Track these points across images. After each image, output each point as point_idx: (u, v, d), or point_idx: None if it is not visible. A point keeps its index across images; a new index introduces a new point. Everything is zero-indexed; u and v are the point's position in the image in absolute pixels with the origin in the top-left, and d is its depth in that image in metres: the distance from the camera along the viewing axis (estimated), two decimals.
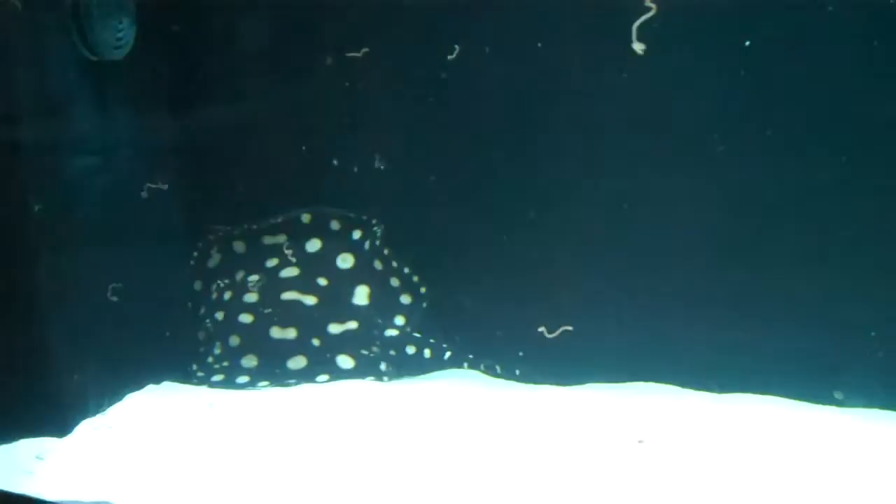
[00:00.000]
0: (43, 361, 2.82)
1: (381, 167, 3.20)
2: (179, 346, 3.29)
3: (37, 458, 2.71)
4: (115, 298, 3.03)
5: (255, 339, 3.21)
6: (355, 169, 3.24)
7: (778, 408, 2.92)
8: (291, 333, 3.19)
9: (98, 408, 2.97)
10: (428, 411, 2.91)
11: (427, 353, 3.18)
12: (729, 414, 2.86)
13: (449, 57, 3.07)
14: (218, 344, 3.24)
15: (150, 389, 3.19)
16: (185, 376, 3.26)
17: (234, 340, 3.22)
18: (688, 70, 2.88)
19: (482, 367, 3.23)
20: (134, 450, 2.74)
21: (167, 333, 3.27)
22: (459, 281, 3.24)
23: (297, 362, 3.17)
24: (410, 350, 3.17)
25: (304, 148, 3.25)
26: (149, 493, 2.48)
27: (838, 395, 2.92)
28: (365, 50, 3.14)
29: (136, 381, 3.16)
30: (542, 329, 3.11)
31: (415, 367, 3.21)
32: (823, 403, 2.92)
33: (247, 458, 2.65)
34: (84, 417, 2.91)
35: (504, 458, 2.58)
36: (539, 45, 3.01)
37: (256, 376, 3.17)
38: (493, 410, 2.91)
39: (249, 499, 2.44)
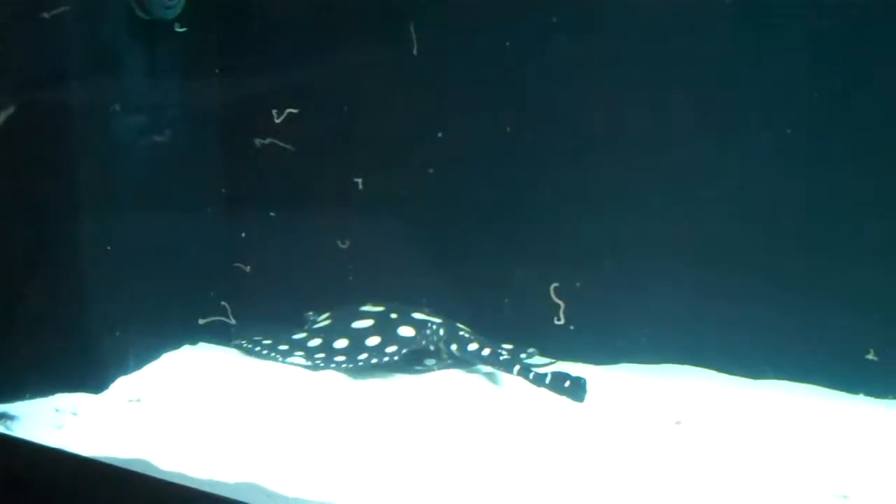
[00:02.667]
0: (84, 317, 2.87)
1: None
2: (217, 306, 3.28)
3: (71, 413, 2.75)
4: (155, 257, 3.05)
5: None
6: None
7: (814, 396, 2.90)
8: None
9: (134, 365, 3.01)
10: (461, 391, 2.92)
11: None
12: (765, 399, 2.84)
13: None
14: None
15: (186, 349, 3.23)
16: (222, 337, 3.27)
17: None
18: None
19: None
20: (166, 409, 2.77)
21: (207, 293, 3.28)
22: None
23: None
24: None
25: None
26: (179, 452, 2.50)
27: None
28: None
29: (172, 340, 3.19)
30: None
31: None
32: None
33: (280, 422, 2.67)
34: (120, 374, 2.95)
35: (543, 437, 2.58)
36: None
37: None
38: (526, 392, 2.88)
39: (279, 458, 2.46)
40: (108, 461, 2.47)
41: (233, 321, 3.25)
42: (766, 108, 2.85)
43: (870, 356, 2.85)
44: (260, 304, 3.31)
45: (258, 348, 3.16)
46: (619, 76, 2.96)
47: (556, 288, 3.05)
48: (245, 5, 3.22)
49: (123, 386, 2.91)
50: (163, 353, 3.14)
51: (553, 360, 2.96)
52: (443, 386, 2.94)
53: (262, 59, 3.23)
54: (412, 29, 3.06)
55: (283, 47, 3.22)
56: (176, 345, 3.20)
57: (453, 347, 3.00)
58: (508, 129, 3.08)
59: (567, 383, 2.78)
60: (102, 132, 2.88)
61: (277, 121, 3.20)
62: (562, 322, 3.06)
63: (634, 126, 2.98)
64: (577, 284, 3.07)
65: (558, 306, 3.06)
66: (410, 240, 3.25)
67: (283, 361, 3.07)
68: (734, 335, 2.98)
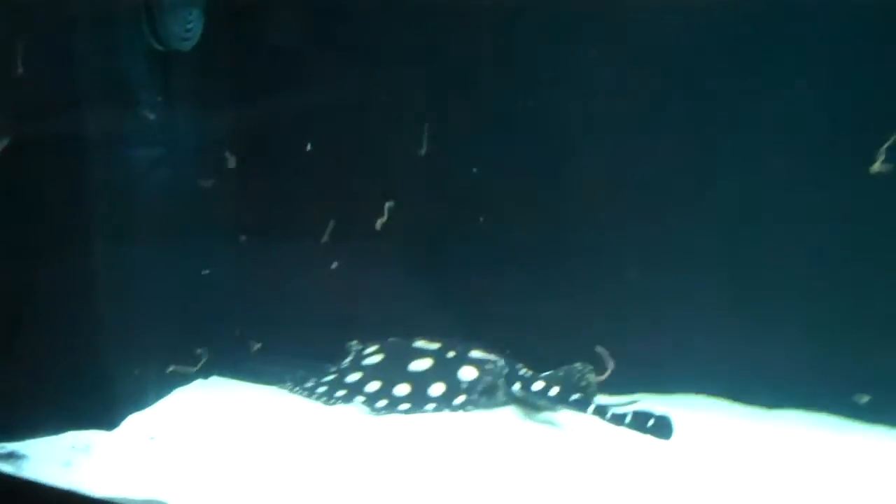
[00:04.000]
0: (96, 354, 2.83)
1: None
2: (229, 341, 3.28)
3: (82, 450, 2.70)
4: (168, 292, 3.02)
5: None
6: None
7: (829, 426, 2.92)
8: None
9: (147, 402, 2.97)
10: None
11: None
12: (781, 429, 2.85)
13: None
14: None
15: (199, 384, 3.20)
16: (234, 371, 3.25)
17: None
18: None
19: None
20: (181, 446, 2.71)
21: (221, 327, 3.26)
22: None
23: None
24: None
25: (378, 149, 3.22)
26: (195, 491, 2.45)
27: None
28: None
29: (185, 376, 3.16)
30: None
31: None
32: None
33: (293, 459, 2.63)
34: (133, 411, 2.91)
35: (563, 469, 2.56)
36: None
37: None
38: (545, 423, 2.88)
39: (299, 498, 2.41)
40: (122, 502, 2.43)
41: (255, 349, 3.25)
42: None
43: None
44: (276, 337, 3.30)
45: (312, 392, 3.05)
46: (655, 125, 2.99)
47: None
48: (261, 37, 3.23)
49: (136, 423, 2.87)
50: (175, 388, 3.11)
51: (634, 400, 2.83)
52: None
53: (276, 89, 3.23)
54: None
55: (296, 77, 3.22)
56: (188, 380, 3.17)
57: (516, 387, 2.91)
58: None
59: (651, 422, 2.60)
60: (117, 164, 2.86)
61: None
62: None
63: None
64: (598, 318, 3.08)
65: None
66: (424, 273, 3.24)
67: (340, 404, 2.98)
68: (749, 366, 2.99)
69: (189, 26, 2.90)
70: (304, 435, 2.77)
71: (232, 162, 3.23)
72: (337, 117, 3.20)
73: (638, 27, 2.92)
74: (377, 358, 3.13)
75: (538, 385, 2.85)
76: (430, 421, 2.85)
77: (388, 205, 3.20)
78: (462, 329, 3.18)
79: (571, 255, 3.13)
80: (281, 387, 3.14)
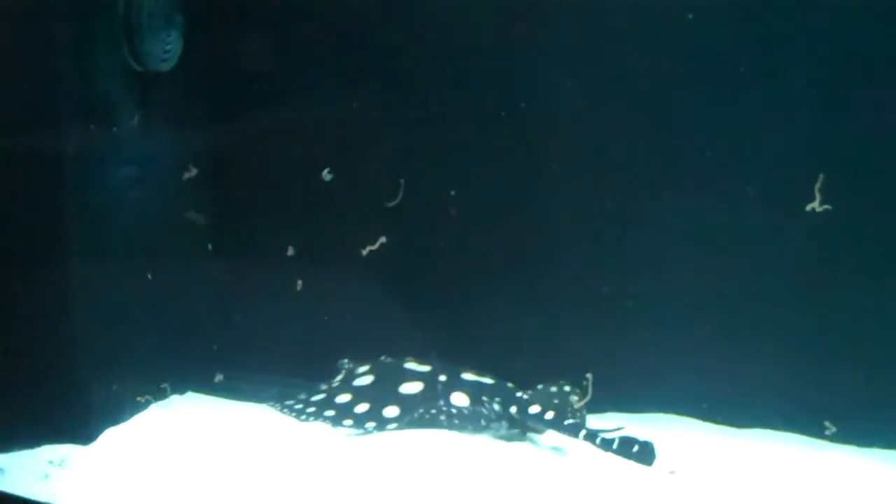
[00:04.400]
0: (72, 368, 2.83)
1: None
2: (204, 357, 3.29)
3: (58, 464, 2.71)
4: (143, 307, 3.04)
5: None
6: None
7: (797, 445, 2.95)
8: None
9: (123, 417, 2.98)
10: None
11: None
12: (752, 448, 2.89)
13: None
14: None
15: (175, 399, 3.19)
16: (209, 387, 3.27)
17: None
18: None
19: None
20: (155, 461, 2.73)
21: (197, 344, 3.27)
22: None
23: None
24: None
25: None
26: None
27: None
28: None
29: (160, 390, 3.15)
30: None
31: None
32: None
33: (267, 474, 2.65)
34: (109, 425, 2.91)
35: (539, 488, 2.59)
36: None
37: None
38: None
39: None
40: None
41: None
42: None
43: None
44: (252, 354, 3.30)
45: (300, 412, 3.03)
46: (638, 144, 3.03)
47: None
48: (239, 58, 3.25)
49: (112, 437, 2.87)
50: (150, 404, 3.11)
51: (621, 427, 2.77)
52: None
53: (255, 110, 3.25)
54: None
55: (274, 98, 3.24)
56: (163, 395, 3.16)
57: (512, 410, 2.90)
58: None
59: (635, 448, 2.65)
60: (94, 183, 2.87)
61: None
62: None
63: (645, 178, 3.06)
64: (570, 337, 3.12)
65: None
66: (413, 295, 3.26)
67: (333, 427, 2.95)
68: (718, 385, 3.04)
69: (168, 47, 2.91)
70: (279, 453, 2.78)
71: (208, 181, 3.24)
72: (313, 137, 3.23)
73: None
74: (367, 379, 3.12)
75: (535, 409, 2.86)
76: (418, 440, 2.86)
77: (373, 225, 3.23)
78: (439, 347, 3.21)
79: (545, 274, 3.17)
80: (271, 406, 3.12)
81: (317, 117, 3.21)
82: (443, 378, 3.03)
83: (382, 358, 3.23)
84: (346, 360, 3.23)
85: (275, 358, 3.30)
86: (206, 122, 3.23)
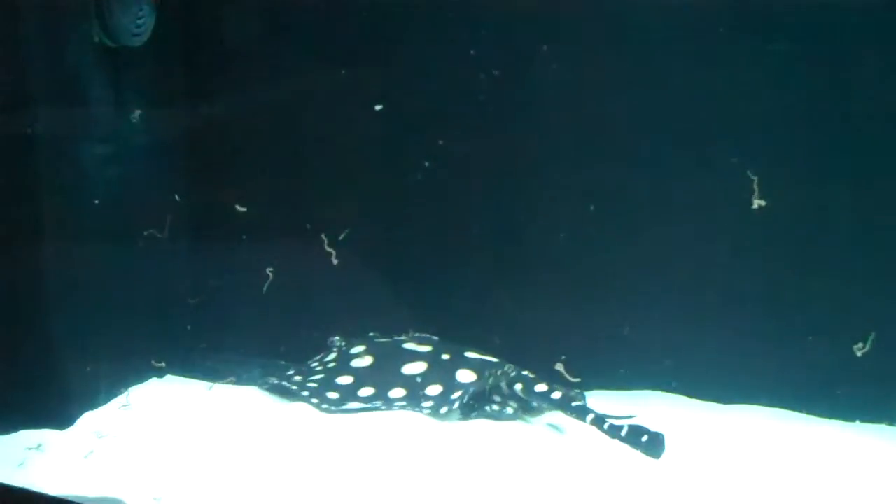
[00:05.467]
0: (48, 351, 2.79)
1: None
2: (184, 339, 3.26)
3: (35, 449, 2.68)
4: (120, 289, 2.99)
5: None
6: None
7: (785, 420, 2.94)
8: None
9: (101, 400, 2.94)
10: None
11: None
12: (738, 424, 2.89)
13: None
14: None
15: (154, 382, 3.17)
16: (189, 369, 3.22)
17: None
18: None
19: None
20: (136, 444, 2.69)
21: (175, 325, 3.24)
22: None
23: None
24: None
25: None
26: (152, 489, 2.43)
27: None
28: None
29: (139, 374, 3.13)
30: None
31: None
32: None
33: (249, 455, 2.62)
34: (87, 409, 2.88)
35: (526, 465, 2.57)
36: None
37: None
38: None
39: (249, 497, 2.41)
40: (76, 499, 2.39)
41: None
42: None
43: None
44: (230, 335, 3.27)
45: (304, 392, 2.93)
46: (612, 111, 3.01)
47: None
48: (215, 32, 3.19)
49: (90, 421, 2.84)
50: (130, 386, 3.07)
51: (632, 415, 2.71)
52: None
53: (230, 86, 3.21)
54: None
55: (250, 74, 3.20)
56: (143, 378, 3.14)
57: (517, 388, 2.83)
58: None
59: (644, 437, 2.59)
60: (66, 162, 2.82)
61: None
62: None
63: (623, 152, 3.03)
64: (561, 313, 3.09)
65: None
66: (390, 270, 3.23)
67: (335, 411, 2.87)
68: (705, 362, 3.04)
69: (140, 21, 2.84)
70: (262, 433, 2.75)
71: (185, 159, 3.20)
72: (293, 113, 3.19)
73: None
74: (367, 360, 3.05)
75: (541, 387, 2.80)
76: (426, 422, 2.81)
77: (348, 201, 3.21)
78: (417, 322, 3.19)
79: (522, 250, 3.15)
80: (261, 386, 3.07)
81: (293, 91, 3.16)
82: (446, 357, 2.97)
83: (371, 335, 3.20)
84: (337, 338, 3.16)
85: (255, 337, 3.27)
86: (180, 99, 3.18)
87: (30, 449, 2.64)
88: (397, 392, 2.89)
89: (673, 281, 3.04)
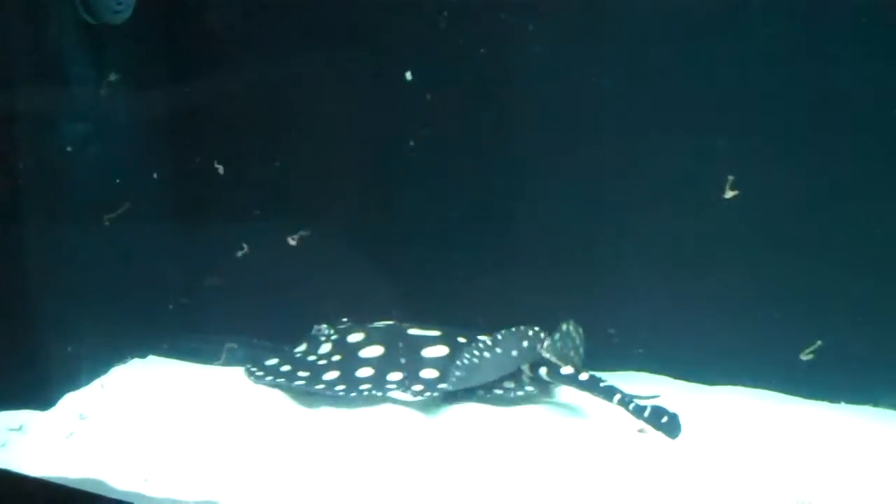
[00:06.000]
0: (29, 331, 2.78)
1: None
2: (167, 319, 3.24)
3: (16, 430, 2.65)
4: (101, 268, 2.96)
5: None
6: None
7: (768, 401, 2.95)
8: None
9: (83, 381, 2.91)
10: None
11: None
12: (722, 404, 2.90)
13: None
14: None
15: (136, 363, 3.14)
16: (171, 350, 3.21)
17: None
18: None
19: None
20: (118, 425, 2.67)
21: (158, 306, 3.22)
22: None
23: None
24: None
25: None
26: (134, 470, 2.42)
27: None
28: None
29: (121, 355, 3.11)
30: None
31: None
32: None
33: (234, 436, 2.61)
34: (69, 390, 2.85)
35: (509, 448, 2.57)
36: None
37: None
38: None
39: (227, 476, 2.40)
40: (58, 481, 2.39)
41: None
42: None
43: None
44: (214, 317, 3.24)
45: (308, 387, 2.85)
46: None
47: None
48: (195, 9, 3.15)
49: (72, 402, 2.81)
50: (112, 367, 3.05)
51: (656, 395, 2.74)
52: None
53: (213, 66, 3.16)
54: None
55: (232, 52, 3.16)
56: (125, 358, 3.12)
57: (542, 371, 2.82)
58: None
59: (664, 419, 2.63)
60: (46, 140, 2.79)
61: None
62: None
63: (605, 135, 3.02)
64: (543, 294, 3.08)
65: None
66: (377, 254, 3.19)
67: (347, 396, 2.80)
68: (691, 344, 3.04)
69: None
70: (242, 413, 2.74)
71: (166, 138, 3.17)
72: (274, 92, 3.15)
73: None
74: (377, 350, 2.97)
75: (567, 370, 2.80)
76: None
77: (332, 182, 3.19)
78: (402, 306, 3.17)
79: (506, 229, 3.13)
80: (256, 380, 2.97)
81: (275, 71, 3.13)
82: (462, 339, 2.95)
83: (344, 320, 3.15)
84: (324, 326, 3.11)
85: (239, 319, 3.23)
86: (163, 77, 3.14)
87: (11, 430, 2.63)
88: (429, 373, 2.87)
89: (657, 265, 3.04)
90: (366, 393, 2.80)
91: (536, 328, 2.80)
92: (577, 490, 2.35)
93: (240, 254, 3.23)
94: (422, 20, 3.04)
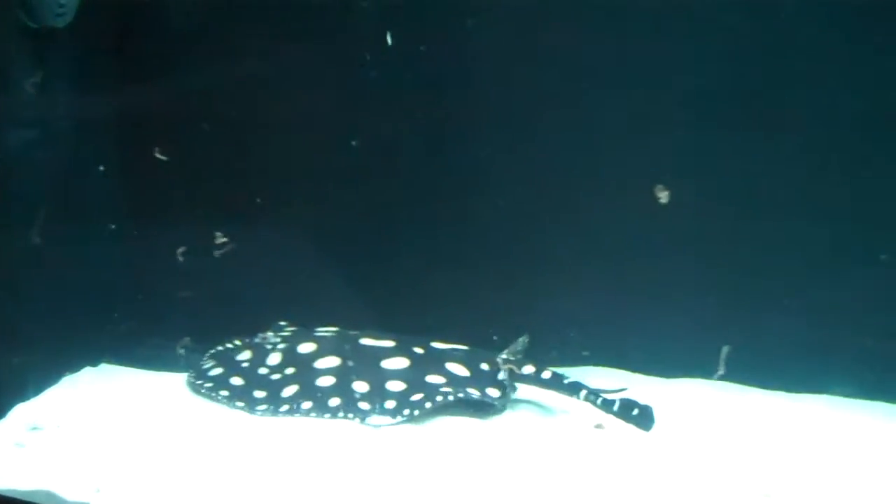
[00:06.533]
0: None
1: None
2: (118, 327, 3.18)
3: None
4: (50, 276, 2.90)
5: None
6: None
7: (728, 392, 2.98)
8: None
9: (33, 391, 2.86)
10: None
11: None
12: (681, 397, 2.93)
13: None
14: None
15: (87, 371, 3.09)
16: (122, 358, 3.15)
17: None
18: None
19: None
20: (70, 437, 2.62)
21: (108, 314, 3.16)
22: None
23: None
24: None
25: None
26: (85, 482, 2.36)
27: None
28: None
29: (71, 363, 3.05)
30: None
31: None
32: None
33: (188, 445, 2.57)
34: (19, 401, 2.79)
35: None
36: None
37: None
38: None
39: (182, 486, 2.36)
40: (8, 493, 2.33)
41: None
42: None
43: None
44: (163, 323, 3.20)
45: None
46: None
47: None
48: (143, 12, 3.09)
49: (22, 413, 2.75)
50: (63, 376, 3.00)
51: (624, 388, 2.74)
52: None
53: (160, 67, 3.10)
54: None
55: (179, 53, 3.11)
56: (76, 367, 3.06)
57: (500, 375, 2.80)
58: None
59: (635, 411, 2.64)
60: None
61: None
62: None
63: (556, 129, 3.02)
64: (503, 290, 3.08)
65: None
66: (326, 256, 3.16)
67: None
68: (649, 338, 3.06)
69: (63, 1, 2.76)
70: (195, 421, 2.71)
71: (113, 142, 3.11)
72: (223, 92, 3.10)
73: None
74: (333, 361, 2.87)
75: (528, 368, 2.80)
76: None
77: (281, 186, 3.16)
78: (347, 307, 3.13)
79: (452, 228, 3.13)
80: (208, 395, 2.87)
81: (223, 71, 3.08)
82: (419, 350, 2.89)
83: (283, 324, 3.10)
84: (270, 334, 3.03)
85: (189, 325, 3.19)
86: (107, 81, 3.07)
87: None
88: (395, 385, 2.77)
89: (609, 262, 3.06)
90: (340, 414, 2.70)
91: None
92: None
93: (181, 256, 3.19)
94: (366, 19, 3.03)
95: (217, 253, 3.18)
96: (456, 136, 3.07)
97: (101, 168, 3.11)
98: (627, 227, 3.02)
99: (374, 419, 2.68)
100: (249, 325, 3.08)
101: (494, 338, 3.01)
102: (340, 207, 3.16)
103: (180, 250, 3.17)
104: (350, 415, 2.69)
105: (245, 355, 2.97)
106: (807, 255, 2.94)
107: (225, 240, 3.17)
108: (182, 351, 3.12)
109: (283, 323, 3.12)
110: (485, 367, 2.84)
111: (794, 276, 2.96)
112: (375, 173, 3.12)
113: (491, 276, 3.10)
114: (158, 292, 3.22)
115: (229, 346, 3.07)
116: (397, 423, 2.67)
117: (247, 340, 3.05)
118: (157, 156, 3.15)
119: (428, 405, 2.69)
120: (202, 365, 2.98)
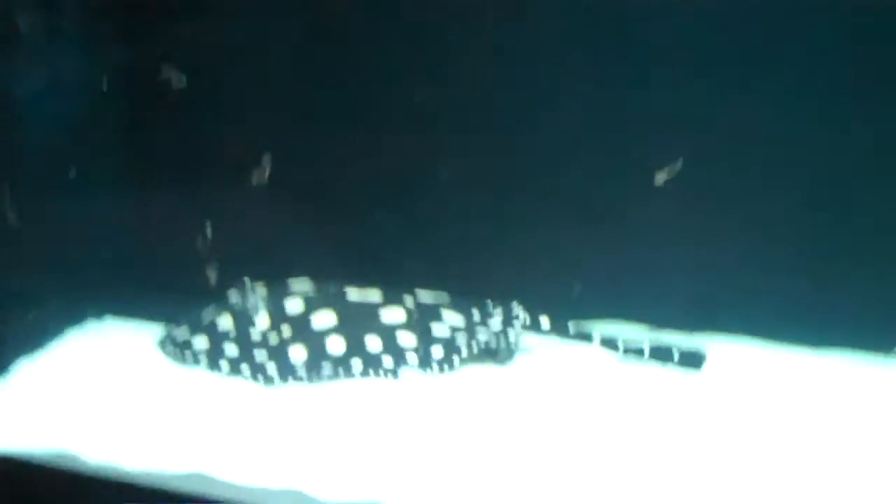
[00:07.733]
0: None
1: None
2: (122, 280, 3.10)
3: None
4: (52, 231, 2.86)
5: None
6: None
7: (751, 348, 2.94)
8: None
9: (38, 348, 2.84)
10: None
11: None
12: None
13: None
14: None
15: (92, 326, 3.06)
16: (127, 312, 3.11)
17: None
18: None
19: None
20: (77, 389, 2.61)
21: (110, 266, 3.08)
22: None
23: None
24: None
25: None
26: (93, 435, 2.37)
27: None
28: None
29: (76, 317, 3.03)
30: None
31: None
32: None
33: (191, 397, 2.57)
34: (24, 358, 2.77)
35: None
36: None
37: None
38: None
39: (197, 440, 2.36)
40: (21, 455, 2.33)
41: None
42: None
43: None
44: (166, 275, 3.11)
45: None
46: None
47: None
48: None
49: (30, 370, 2.73)
50: (67, 331, 2.97)
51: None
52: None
53: (165, 22, 2.97)
54: None
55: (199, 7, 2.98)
56: (80, 321, 3.04)
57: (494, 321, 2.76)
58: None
59: (676, 355, 2.58)
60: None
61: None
62: None
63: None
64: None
65: None
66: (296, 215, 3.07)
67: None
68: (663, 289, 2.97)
69: None
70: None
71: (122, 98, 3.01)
72: (226, 53, 3.00)
73: None
74: (329, 318, 2.74)
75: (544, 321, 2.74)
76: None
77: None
78: (323, 263, 3.03)
79: (424, 189, 3.02)
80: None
81: (231, 34, 2.96)
82: (410, 302, 2.81)
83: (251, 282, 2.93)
84: (237, 295, 2.85)
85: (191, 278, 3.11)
86: (120, 33, 2.96)
87: None
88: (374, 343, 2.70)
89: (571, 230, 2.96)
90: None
91: None
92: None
93: (194, 213, 3.09)
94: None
95: (217, 209, 3.09)
96: (433, 101, 2.93)
97: (100, 120, 3.01)
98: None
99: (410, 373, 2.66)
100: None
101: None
102: (317, 168, 3.06)
103: (207, 200, 3.09)
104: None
105: (226, 320, 2.81)
106: None
107: (222, 196, 3.08)
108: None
109: (245, 278, 2.92)
110: (476, 314, 2.80)
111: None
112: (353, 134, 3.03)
113: (462, 238, 3.00)
114: (160, 248, 3.12)
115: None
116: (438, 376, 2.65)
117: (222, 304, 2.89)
118: (165, 109, 3.04)
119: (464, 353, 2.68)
120: (178, 337, 2.84)
